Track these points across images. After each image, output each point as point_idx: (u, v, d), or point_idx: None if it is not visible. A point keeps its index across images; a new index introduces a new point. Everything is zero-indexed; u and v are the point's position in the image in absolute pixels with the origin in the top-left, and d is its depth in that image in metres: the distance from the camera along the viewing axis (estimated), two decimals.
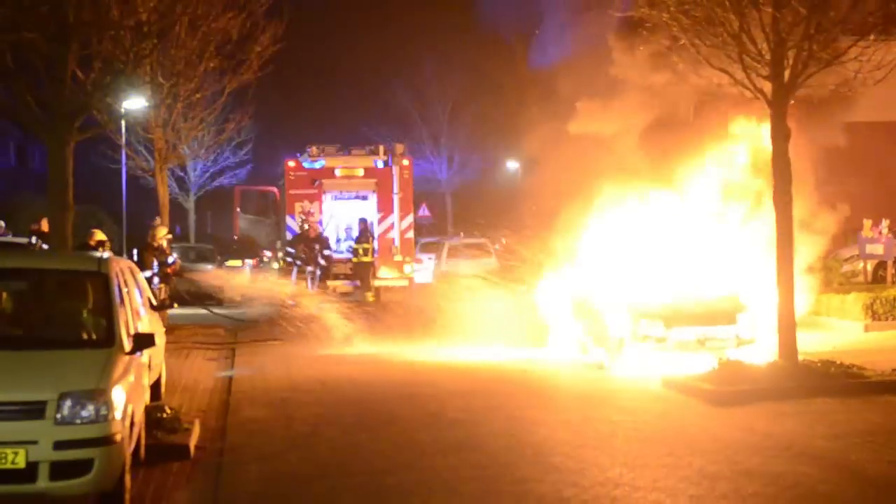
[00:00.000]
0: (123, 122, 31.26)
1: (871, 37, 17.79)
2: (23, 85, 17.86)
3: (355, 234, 34.22)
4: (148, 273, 22.58)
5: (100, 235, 22.89)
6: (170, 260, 23.53)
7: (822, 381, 17.40)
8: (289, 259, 32.73)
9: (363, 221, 33.79)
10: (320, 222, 34.52)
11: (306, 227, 32.58)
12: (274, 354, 22.98)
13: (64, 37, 17.48)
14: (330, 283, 33.38)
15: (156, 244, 23.27)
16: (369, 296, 33.36)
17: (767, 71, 17.99)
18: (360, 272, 33.41)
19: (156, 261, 22.88)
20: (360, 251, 33.35)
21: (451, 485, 11.98)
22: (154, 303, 16.94)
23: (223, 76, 28.41)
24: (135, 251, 23.85)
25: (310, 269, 31.30)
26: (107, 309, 11.86)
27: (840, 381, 17.50)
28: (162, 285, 22.92)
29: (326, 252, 32.03)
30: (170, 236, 24.66)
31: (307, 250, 31.05)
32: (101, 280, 12.23)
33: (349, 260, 33.77)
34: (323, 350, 23.74)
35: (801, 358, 18.16)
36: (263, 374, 20.33)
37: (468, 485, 11.96)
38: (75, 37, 17.71)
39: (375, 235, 34.71)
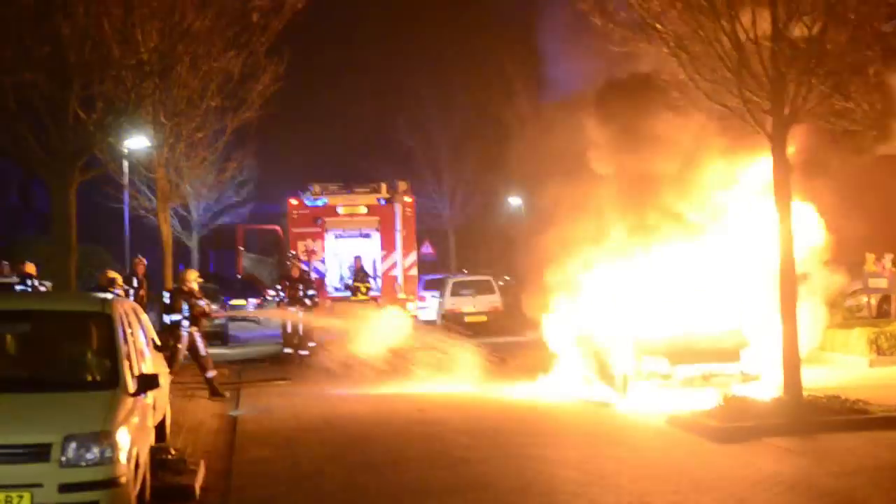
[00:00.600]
0: (126, 162, 31.32)
1: (871, 70, 17.83)
2: (25, 126, 17.89)
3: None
4: (178, 316, 22.56)
5: (112, 274, 22.91)
6: (201, 303, 23.35)
7: (828, 418, 17.32)
8: (276, 299, 32.40)
9: (357, 259, 33.71)
10: (322, 260, 34.51)
11: (289, 264, 32.16)
12: (279, 394, 22.97)
13: (65, 77, 17.53)
14: None
15: (186, 287, 23.14)
16: None
17: (768, 105, 18.02)
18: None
19: (185, 304, 22.78)
20: (360, 290, 33.24)
21: None
22: (158, 343, 16.93)
23: (225, 115, 28.47)
24: (165, 294, 23.81)
25: (292, 309, 30.69)
26: (111, 350, 11.87)
27: (845, 417, 17.41)
28: (192, 328, 22.77)
29: (311, 292, 31.50)
30: (201, 280, 24.59)
31: (292, 290, 30.59)
32: (105, 321, 12.24)
33: (346, 299, 33.70)
34: (327, 389, 23.74)
35: (806, 394, 18.10)
36: (268, 414, 20.31)
37: None
38: (77, 77, 17.76)
39: (379, 273, 34.68)
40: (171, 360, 22.56)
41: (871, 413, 17.57)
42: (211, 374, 22.74)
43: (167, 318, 23.06)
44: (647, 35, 18.46)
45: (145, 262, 26.62)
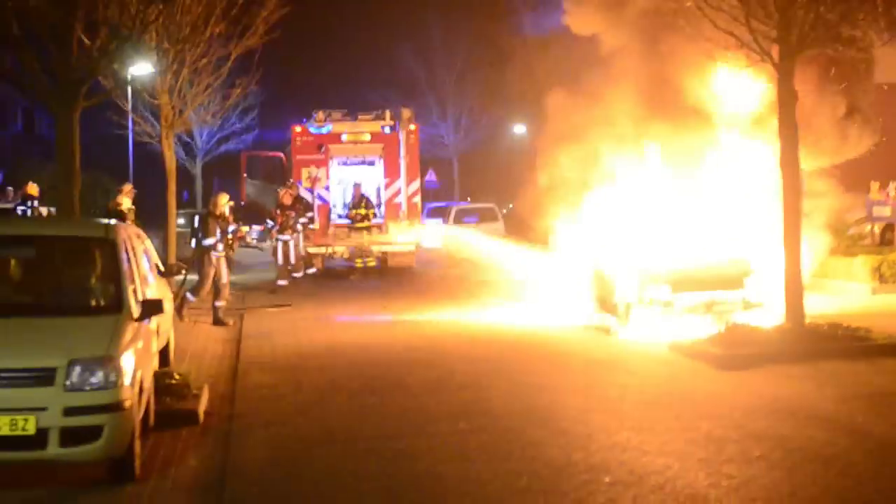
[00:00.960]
0: (129, 89, 31.17)
1: None
2: (29, 52, 17.77)
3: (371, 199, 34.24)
4: (211, 240, 22.53)
5: (119, 200, 22.89)
6: (231, 228, 23.32)
7: (829, 344, 17.42)
8: (269, 227, 31.91)
9: (357, 187, 33.72)
10: (327, 188, 34.50)
11: (280, 192, 31.72)
12: (282, 320, 23.03)
13: (70, 2, 17.40)
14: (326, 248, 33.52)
15: (218, 212, 23.03)
16: (369, 261, 33.34)
17: (775, 33, 17.92)
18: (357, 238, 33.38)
19: (219, 229, 22.76)
20: (358, 217, 33.29)
21: (460, 449, 12.01)
22: (161, 268, 16.98)
23: (229, 41, 28.29)
24: (196, 218, 23.81)
25: (284, 237, 30.47)
26: (115, 275, 11.90)
27: (847, 344, 17.51)
28: (224, 253, 22.77)
29: (303, 220, 31.26)
30: (231, 203, 24.51)
31: (283, 217, 30.28)
32: (109, 246, 12.26)
33: (347, 226, 33.78)
34: (329, 315, 23.85)
35: (808, 321, 18.18)
36: (271, 340, 20.36)
37: (476, 449, 11.98)
38: (81, 2, 17.62)
39: (383, 201, 34.70)
40: (198, 284, 22.61)
41: (873, 340, 17.68)
42: (220, 303, 22.78)
43: (195, 242, 23.12)
44: None
45: (134, 190, 26.55)
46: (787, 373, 15.86)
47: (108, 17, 18.26)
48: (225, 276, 22.86)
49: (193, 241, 23.31)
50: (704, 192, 22.70)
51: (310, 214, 32.41)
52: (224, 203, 23.46)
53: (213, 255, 22.54)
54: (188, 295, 22.31)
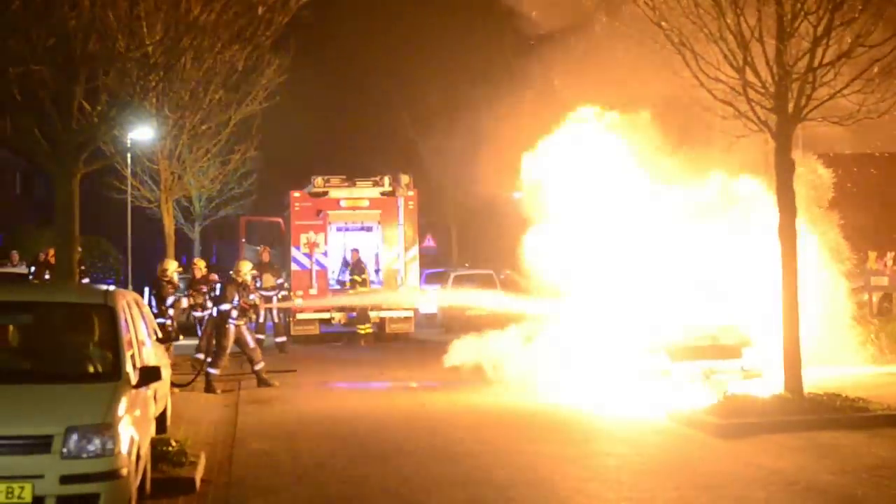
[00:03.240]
0: (129, 154, 31.35)
1: (875, 69, 17.83)
2: (30, 118, 17.84)
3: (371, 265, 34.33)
4: (227, 306, 22.55)
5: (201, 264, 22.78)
6: (251, 297, 23.13)
7: (828, 415, 17.37)
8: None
9: (355, 252, 33.77)
10: (325, 253, 34.57)
11: (192, 267, 27.42)
12: (279, 387, 22.93)
13: (71, 69, 17.49)
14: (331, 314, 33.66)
15: (240, 279, 23.00)
16: (364, 328, 33.38)
17: (771, 103, 18.03)
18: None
19: (237, 296, 22.70)
20: (354, 284, 33.27)
21: None
22: (159, 335, 16.96)
23: (228, 108, 28.47)
24: (217, 284, 23.71)
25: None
26: (113, 342, 11.88)
27: (846, 414, 17.47)
28: (239, 321, 22.63)
29: (215, 295, 25.20)
30: (255, 272, 24.29)
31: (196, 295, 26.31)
32: (108, 313, 12.25)
33: (342, 291, 33.82)
34: (328, 382, 23.77)
35: (806, 391, 18.14)
36: (270, 407, 20.31)
37: None
38: (82, 69, 17.72)
39: (381, 266, 34.75)
40: (216, 356, 22.53)
41: (872, 411, 17.62)
42: (259, 366, 22.78)
43: (215, 309, 23.08)
44: (653, 33, 18.49)
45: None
46: (786, 443, 15.82)
47: (109, 84, 18.36)
48: (251, 342, 22.85)
49: (215, 310, 23.27)
50: (704, 260, 22.71)
51: (279, 281, 31.90)
52: (247, 271, 23.30)
53: (231, 322, 22.46)
54: (210, 370, 22.28)
